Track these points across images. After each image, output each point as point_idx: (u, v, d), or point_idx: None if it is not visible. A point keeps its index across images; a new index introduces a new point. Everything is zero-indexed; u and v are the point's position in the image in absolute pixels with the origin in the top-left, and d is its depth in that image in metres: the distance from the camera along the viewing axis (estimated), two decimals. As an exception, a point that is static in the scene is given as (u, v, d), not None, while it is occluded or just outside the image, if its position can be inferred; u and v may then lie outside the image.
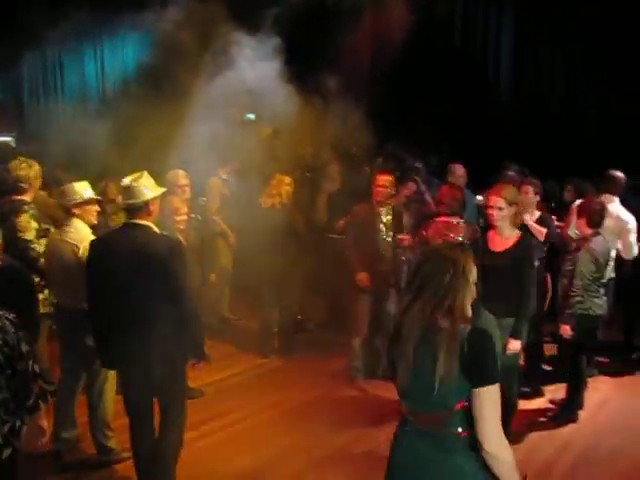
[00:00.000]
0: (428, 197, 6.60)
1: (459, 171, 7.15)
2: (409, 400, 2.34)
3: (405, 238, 5.34)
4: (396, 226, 5.46)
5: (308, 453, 4.32)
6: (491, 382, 2.18)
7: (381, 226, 5.42)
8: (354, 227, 5.47)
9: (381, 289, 5.41)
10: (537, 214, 5.34)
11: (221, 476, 4.08)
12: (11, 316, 2.39)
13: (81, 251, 3.88)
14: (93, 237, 3.90)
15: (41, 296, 4.70)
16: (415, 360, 2.25)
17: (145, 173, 3.51)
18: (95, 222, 4.24)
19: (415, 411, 2.33)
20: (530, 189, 5.32)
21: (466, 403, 2.22)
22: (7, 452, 2.34)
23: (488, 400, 2.18)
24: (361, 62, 10.65)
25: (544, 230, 5.18)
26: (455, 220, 4.91)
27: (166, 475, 3.54)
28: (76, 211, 4.06)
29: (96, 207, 4.24)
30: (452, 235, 4.77)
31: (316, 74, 7.88)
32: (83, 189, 4.08)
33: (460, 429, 2.24)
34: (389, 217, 5.46)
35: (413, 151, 7.71)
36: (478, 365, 2.17)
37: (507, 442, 2.23)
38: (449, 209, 4.92)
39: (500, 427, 2.20)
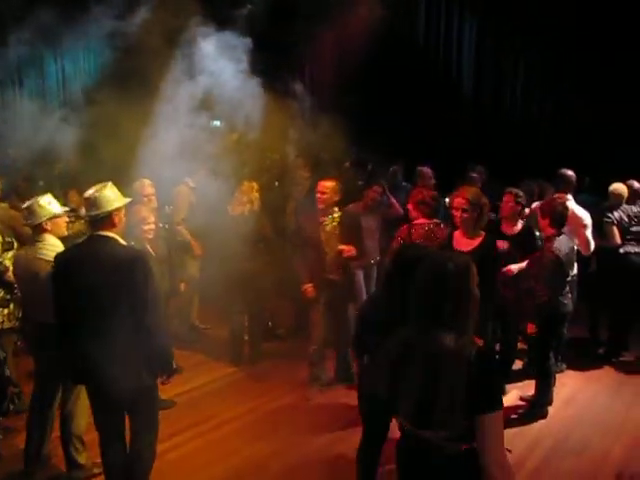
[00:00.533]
0: (394, 201, 6.64)
1: (428, 174, 7.24)
2: (411, 420, 2.27)
3: (346, 249, 5.08)
4: (344, 234, 5.15)
5: (281, 460, 4.31)
6: (498, 409, 2.15)
7: (323, 234, 5.15)
8: (301, 236, 5.35)
9: (334, 299, 5.24)
10: (520, 224, 5.24)
11: (195, 487, 4.06)
12: None
13: None
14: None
15: (6, 310, 4.63)
16: (419, 382, 2.18)
17: (109, 183, 3.46)
18: (66, 233, 4.16)
19: (417, 430, 2.26)
20: (511, 199, 5.19)
21: (468, 423, 2.15)
22: None
23: (494, 427, 2.13)
24: (327, 66, 10.74)
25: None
26: (434, 222, 4.95)
27: (138, 490, 3.50)
28: (47, 227, 3.96)
29: (65, 219, 4.16)
30: (437, 237, 4.81)
31: (284, 77, 7.88)
32: (49, 204, 3.97)
33: (461, 443, 2.20)
34: (334, 224, 5.18)
35: (378, 155, 7.77)
36: (484, 391, 2.13)
37: (510, 464, 2.20)
38: (429, 210, 4.93)
39: (504, 450, 2.16)
